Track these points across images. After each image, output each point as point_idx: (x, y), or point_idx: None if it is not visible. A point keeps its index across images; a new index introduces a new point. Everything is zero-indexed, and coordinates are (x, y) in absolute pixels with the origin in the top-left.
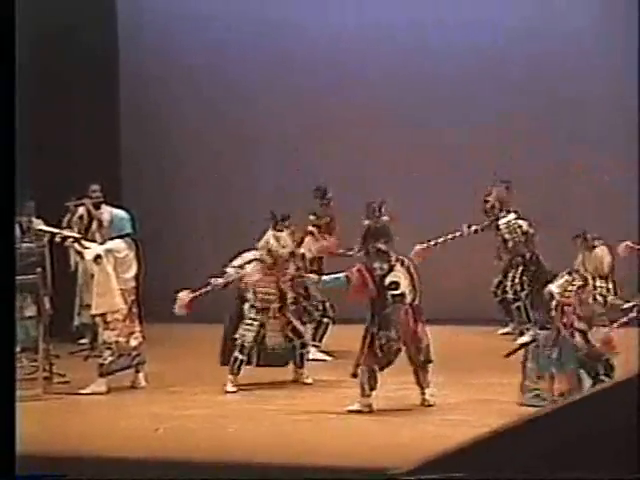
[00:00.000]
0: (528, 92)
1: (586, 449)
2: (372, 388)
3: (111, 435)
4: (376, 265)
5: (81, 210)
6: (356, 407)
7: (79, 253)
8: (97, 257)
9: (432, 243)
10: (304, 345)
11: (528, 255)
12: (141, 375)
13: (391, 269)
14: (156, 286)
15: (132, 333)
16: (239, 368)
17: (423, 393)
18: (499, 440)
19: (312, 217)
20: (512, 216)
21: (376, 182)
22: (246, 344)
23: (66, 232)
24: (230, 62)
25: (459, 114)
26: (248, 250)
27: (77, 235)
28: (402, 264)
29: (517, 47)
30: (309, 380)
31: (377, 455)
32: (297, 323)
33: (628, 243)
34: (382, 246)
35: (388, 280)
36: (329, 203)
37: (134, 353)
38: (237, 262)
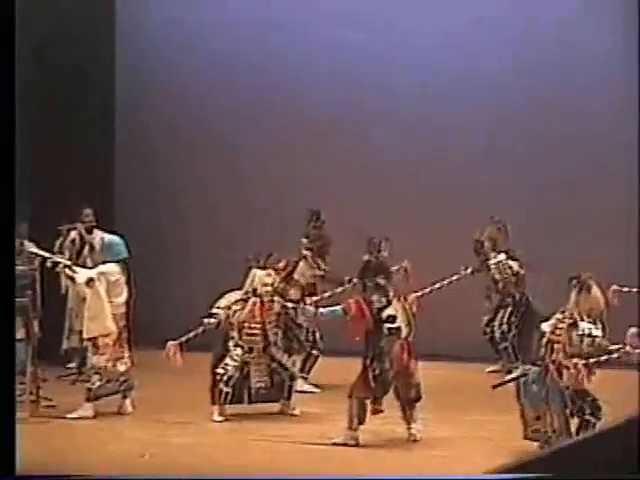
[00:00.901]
0: (524, 125)
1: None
2: (360, 422)
3: (96, 460)
4: (374, 298)
5: (73, 234)
6: (341, 440)
7: (70, 278)
8: (90, 280)
9: (427, 290)
10: (292, 378)
11: (518, 296)
12: (128, 401)
13: (389, 303)
14: (146, 311)
15: (121, 358)
16: (225, 399)
17: (409, 428)
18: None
19: (304, 240)
20: (502, 256)
21: (372, 209)
22: (228, 376)
23: (57, 257)
24: (225, 82)
25: (453, 145)
26: (232, 290)
27: (68, 262)
28: (399, 299)
29: (509, 79)
30: (296, 412)
31: None
32: (283, 359)
33: (615, 287)
34: (381, 281)
35: (385, 313)
36: (321, 226)
37: (122, 378)
38: (223, 303)
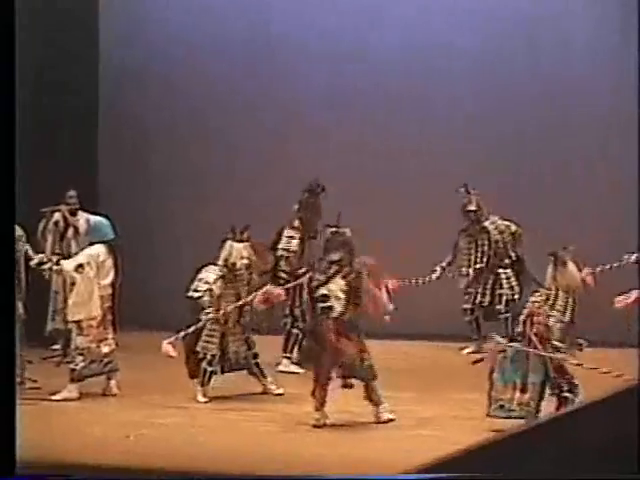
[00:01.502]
0: (515, 101)
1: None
2: (321, 404)
3: (83, 441)
4: (316, 276)
5: (57, 216)
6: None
7: (57, 272)
8: (79, 266)
9: (406, 282)
10: (256, 355)
11: (514, 255)
12: (113, 382)
13: (328, 281)
14: (132, 293)
15: (104, 339)
16: (209, 379)
17: (375, 409)
18: (503, 443)
19: (296, 207)
20: (496, 218)
21: (370, 202)
22: (211, 355)
23: (37, 259)
24: (212, 70)
25: (442, 120)
26: (206, 266)
27: (50, 264)
28: (345, 277)
29: (503, 54)
30: (280, 391)
31: (344, 467)
32: (250, 333)
33: (586, 270)
34: (326, 257)
35: (319, 292)
36: (312, 199)
37: (106, 360)
38: (204, 285)
